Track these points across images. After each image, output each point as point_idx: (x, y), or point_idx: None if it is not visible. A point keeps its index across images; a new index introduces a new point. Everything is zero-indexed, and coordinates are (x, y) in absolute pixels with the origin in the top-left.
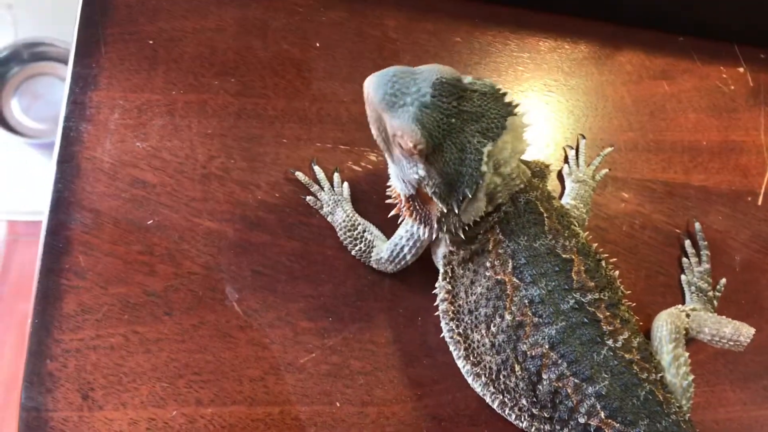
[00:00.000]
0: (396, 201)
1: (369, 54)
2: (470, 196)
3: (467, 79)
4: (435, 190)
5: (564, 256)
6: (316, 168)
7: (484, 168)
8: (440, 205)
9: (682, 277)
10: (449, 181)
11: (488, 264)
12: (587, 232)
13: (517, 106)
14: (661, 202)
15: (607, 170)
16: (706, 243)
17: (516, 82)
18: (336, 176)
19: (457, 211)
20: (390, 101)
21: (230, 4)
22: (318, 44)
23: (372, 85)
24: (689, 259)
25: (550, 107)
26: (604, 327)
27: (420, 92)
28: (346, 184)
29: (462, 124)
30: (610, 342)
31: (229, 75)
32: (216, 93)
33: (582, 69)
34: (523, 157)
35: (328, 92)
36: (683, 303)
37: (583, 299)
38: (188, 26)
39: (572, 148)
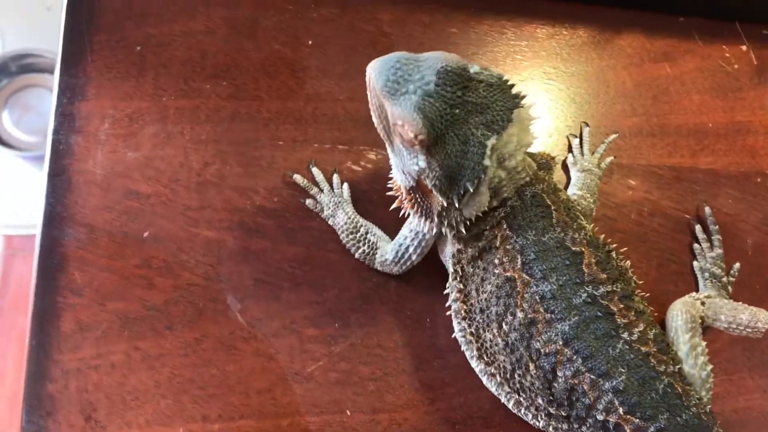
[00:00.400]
0: (397, 193)
1: (363, 50)
2: (471, 191)
3: (474, 68)
4: (435, 182)
5: (574, 248)
6: (315, 170)
7: (486, 162)
8: (440, 198)
9: (695, 263)
10: (450, 174)
11: (497, 261)
12: (594, 224)
13: (524, 97)
14: (669, 188)
15: (612, 158)
16: (717, 227)
17: (515, 71)
18: (335, 177)
19: (457, 205)
20: (392, 88)
21: (219, 4)
22: (310, 42)
23: (374, 71)
24: (701, 245)
25: (551, 95)
26: (619, 320)
27: (423, 80)
28: (346, 185)
29: (466, 115)
30: (625, 335)
31: (220, 78)
32: (208, 97)
33: (581, 55)
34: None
35: (322, 91)
36: (697, 290)
37: (595, 292)
38: (176, 30)
39: (576, 136)
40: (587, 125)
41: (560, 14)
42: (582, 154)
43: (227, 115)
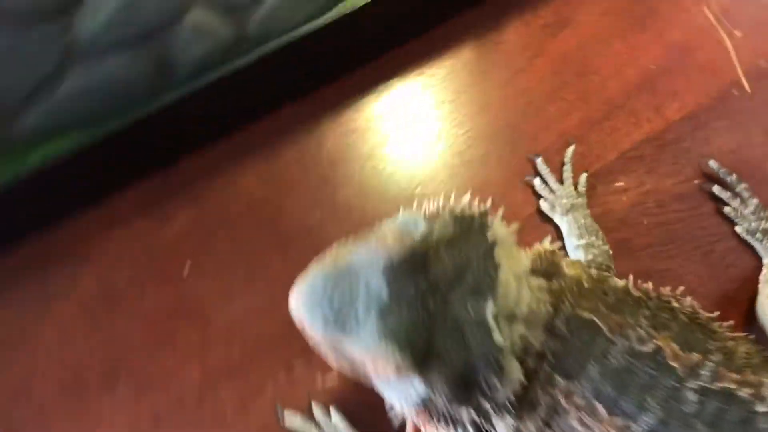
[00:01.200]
0: (406, 417)
1: (252, 238)
2: (498, 383)
3: (419, 229)
4: (447, 397)
5: (647, 349)
6: (286, 416)
7: (497, 338)
8: (462, 409)
9: (737, 229)
10: (461, 379)
11: (575, 423)
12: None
13: (487, 216)
14: (658, 165)
15: (585, 174)
16: (734, 176)
17: (425, 155)
18: (316, 411)
19: (488, 405)
20: (337, 323)
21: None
22: (187, 268)
23: (303, 310)
24: (731, 205)
25: (477, 148)
26: (743, 394)
27: (372, 292)
28: (333, 412)
29: (444, 298)
30: (759, 407)
31: (108, 387)
32: (110, 420)
33: (480, 77)
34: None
35: (236, 318)
36: (759, 260)
37: (701, 383)
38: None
39: (532, 177)
40: (537, 156)
41: (426, 50)
42: (553, 192)
43: (148, 425)
